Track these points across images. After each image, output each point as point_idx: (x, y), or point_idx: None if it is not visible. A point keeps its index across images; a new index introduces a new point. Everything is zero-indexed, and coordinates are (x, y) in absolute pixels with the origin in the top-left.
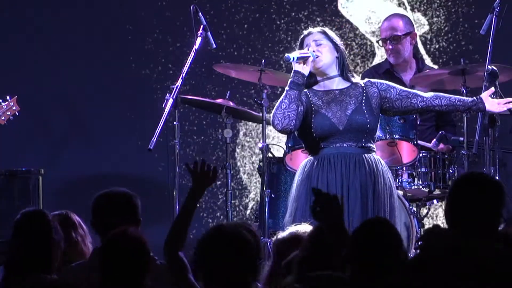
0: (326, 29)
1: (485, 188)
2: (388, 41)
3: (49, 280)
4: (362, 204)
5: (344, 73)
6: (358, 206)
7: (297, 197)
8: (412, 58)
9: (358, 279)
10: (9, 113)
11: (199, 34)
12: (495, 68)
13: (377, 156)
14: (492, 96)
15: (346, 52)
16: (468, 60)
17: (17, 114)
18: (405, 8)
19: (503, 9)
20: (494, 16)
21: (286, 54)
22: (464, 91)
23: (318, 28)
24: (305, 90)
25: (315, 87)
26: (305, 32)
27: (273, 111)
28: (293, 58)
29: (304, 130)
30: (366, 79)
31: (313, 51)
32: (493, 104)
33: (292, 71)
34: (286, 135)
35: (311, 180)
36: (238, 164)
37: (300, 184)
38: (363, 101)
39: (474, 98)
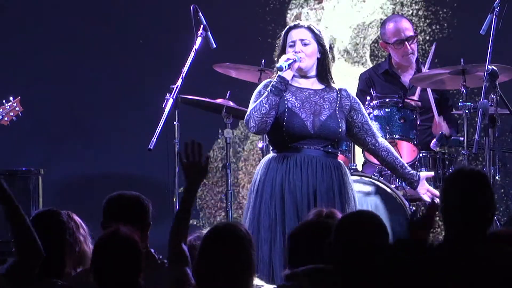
0: (314, 26)
1: (472, 182)
2: (406, 42)
3: (59, 286)
4: (328, 207)
5: (321, 74)
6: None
7: (261, 193)
8: None
9: (345, 269)
10: (12, 113)
11: (199, 34)
12: (495, 68)
13: (340, 161)
14: (491, 99)
15: (329, 54)
16: (468, 60)
17: (20, 115)
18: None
19: (503, 9)
20: (494, 16)
21: (278, 64)
22: (464, 91)
23: (306, 23)
24: None
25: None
26: (292, 23)
27: (249, 111)
28: (286, 66)
29: (273, 127)
30: (343, 87)
31: (298, 52)
32: (423, 189)
33: (277, 76)
34: None
35: (275, 179)
36: (238, 164)
37: (263, 180)
38: (337, 108)
39: (415, 173)
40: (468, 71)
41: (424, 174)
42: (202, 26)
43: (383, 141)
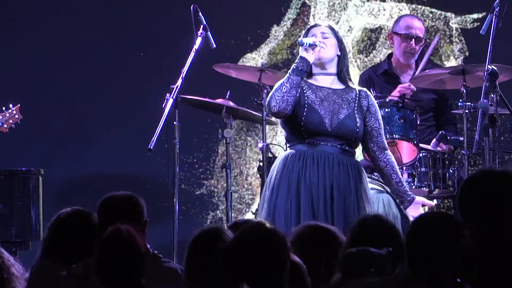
0: (334, 26)
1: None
2: (413, 40)
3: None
4: (345, 205)
5: (341, 73)
6: (341, 207)
7: (277, 189)
8: None
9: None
10: (11, 121)
11: (199, 34)
12: (495, 68)
13: (356, 160)
14: (491, 99)
15: (348, 56)
16: (468, 60)
17: (19, 122)
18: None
19: (503, 9)
20: (494, 16)
21: (301, 38)
22: (464, 91)
23: (326, 23)
24: None
25: (309, 80)
26: (313, 23)
27: (271, 93)
28: (307, 43)
29: (291, 121)
30: (363, 88)
31: (319, 42)
32: (415, 213)
33: (298, 57)
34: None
35: (292, 174)
36: (238, 164)
37: (280, 177)
38: (356, 108)
39: (409, 194)
40: (468, 71)
41: (421, 199)
42: (202, 26)
43: (387, 154)
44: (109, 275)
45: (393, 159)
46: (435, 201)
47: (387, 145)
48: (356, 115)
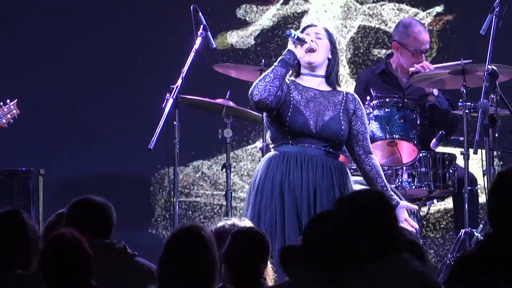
0: (329, 29)
1: None
2: (423, 54)
3: (20, 274)
4: (329, 207)
5: (330, 77)
6: (324, 209)
7: (261, 191)
8: None
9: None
10: (9, 116)
11: (199, 34)
12: (495, 68)
13: (341, 162)
14: (491, 99)
15: (339, 60)
16: (468, 60)
17: (16, 117)
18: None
19: (503, 9)
20: (494, 16)
21: (289, 30)
22: (464, 91)
23: (323, 25)
24: (286, 79)
25: (296, 80)
26: (309, 23)
27: (255, 82)
28: (295, 35)
29: (276, 121)
30: (350, 92)
31: (311, 41)
32: (401, 218)
33: (286, 50)
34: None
35: (275, 178)
36: (238, 163)
37: (264, 178)
38: (341, 110)
39: (393, 199)
40: (468, 71)
41: (405, 203)
42: (202, 26)
43: (372, 158)
44: (55, 279)
45: (378, 163)
46: (416, 206)
47: (372, 149)
48: (341, 118)
